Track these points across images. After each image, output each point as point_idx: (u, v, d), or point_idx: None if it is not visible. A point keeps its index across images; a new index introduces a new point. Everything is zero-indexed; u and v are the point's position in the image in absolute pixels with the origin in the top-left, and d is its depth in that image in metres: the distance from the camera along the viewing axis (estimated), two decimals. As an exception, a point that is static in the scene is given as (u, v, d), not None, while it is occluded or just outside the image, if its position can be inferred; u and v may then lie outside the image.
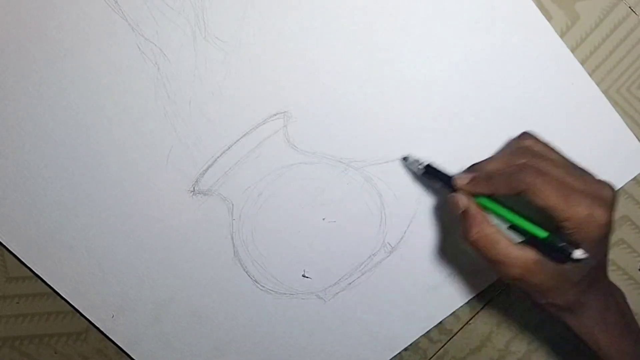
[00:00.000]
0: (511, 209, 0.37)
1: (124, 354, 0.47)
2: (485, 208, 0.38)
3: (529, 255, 0.36)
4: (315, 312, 0.48)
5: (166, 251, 0.45)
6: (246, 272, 0.46)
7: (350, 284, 0.47)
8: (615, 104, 0.45)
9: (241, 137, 0.43)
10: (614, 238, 0.49)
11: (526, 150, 0.38)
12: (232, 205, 0.45)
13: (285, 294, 0.47)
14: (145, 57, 0.41)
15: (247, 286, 0.47)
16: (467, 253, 0.48)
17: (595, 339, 0.38)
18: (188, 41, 0.41)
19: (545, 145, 0.39)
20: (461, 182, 0.38)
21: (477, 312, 0.50)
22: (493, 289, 0.49)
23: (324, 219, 0.46)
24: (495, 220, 0.38)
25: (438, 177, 0.41)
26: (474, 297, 0.49)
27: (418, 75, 0.44)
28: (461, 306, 0.49)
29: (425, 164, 0.42)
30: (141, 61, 0.41)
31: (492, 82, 0.44)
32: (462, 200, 0.38)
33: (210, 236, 0.45)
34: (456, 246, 0.47)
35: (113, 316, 0.46)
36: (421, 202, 0.46)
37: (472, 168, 0.39)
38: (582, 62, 0.44)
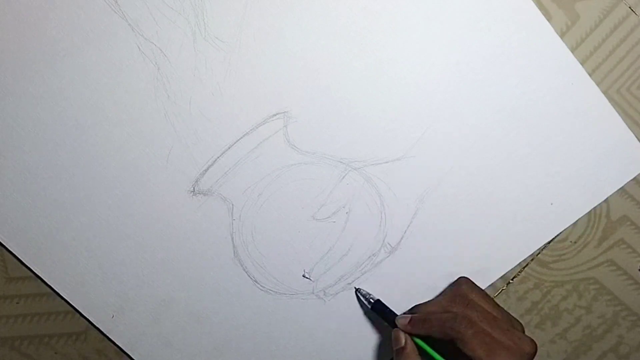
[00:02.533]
0: (442, 354, 0.41)
1: (124, 354, 0.47)
2: (421, 347, 0.42)
3: None
4: (315, 312, 0.48)
5: (166, 251, 0.45)
6: (246, 272, 0.46)
7: (350, 284, 0.47)
8: (615, 104, 0.45)
9: (241, 137, 0.43)
10: (614, 238, 0.49)
11: (462, 298, 0.42)
12: (232, 205, 0.45)
13: (285, 294, 0.47)
14: (145, 57, 0.41)
15: (247, 286, 0.47)
16: (467, 253, 0.48)
17: None
18: (188, 41, 0.41)
19: (479, 293, 0.44)
20: (402, 321, 0.43)
21: (477, 312, 0.50)
22: (493, 289, 0.49)
23: (323, 219, 0.46)
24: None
25: (384, 313, 0.45)
26: (474, 297, 0.49)
27: (418, 75, 0.44)
28: (461, 306, 0.49)
29: (375, 299, 0.46)
30: (141, 61, 0.41)
31: (492, 82, 0.44)
32: (401, 338, 0.43)
33: (210, 236, 0.45)
34: (456, 246, 0.47)
35: (113, 316, 0.46)
36: (421, 202, 0.46)
37: (413, 309, 0.45)
38: (582, 62, 0.44)
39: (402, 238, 0.47)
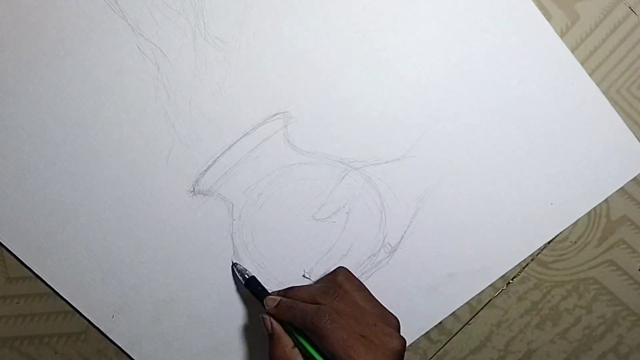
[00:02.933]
0: (311, 342, 0.40)
1: (123, 354, 0.47)
2: (294, 337, 0.41)
3: None
4: (315, 312, 0.48)
5: (166, 251, 0.45)
6: (246, 272, 0.46)
7: (350, 284, 0.47)
8: (615, 104, 0.45)
9: (241, 137, 0.43)
10: (614, 238, 0.49)
11: (334, 289, 0.41)
12: (232, 205, 0.45)
13: (285, 294, 0.47)
14: (145, 57, 0.41)
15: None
16: (467, 253, 0.48)
17: None
18: (188, 41, 0.41)
19: (355, 284, 0.43)
20: (269, 303, 0.42)
21: (477, 312, 0.50)
22: (493, 289, 0.49)
23: (323, 219, 0.46)
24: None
25: (256, 292, 0.44)
26: (474, 297, 0.49)
27: (418, 75, 0.44)
28: (461, 306, 0.49)
29: (250, 275, 0.45)
30: (141, 61, 0.41)
31: (492, 82, 0.44)
32: (268, 322, 0.42)
33: (210, 236, 0.45)
34: (456, 246, 0.47)
35: (113, 316, 0.46)
36: (421, 202, 0.46)
37: (286, 291, 0.43)
38: (582, 62, 0.44)
39: (402, 238, 0.47)
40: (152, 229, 0.45)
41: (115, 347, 0.47)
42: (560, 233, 0.48)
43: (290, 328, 0.41)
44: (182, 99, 0.42)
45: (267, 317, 0.42)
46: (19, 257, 0.44)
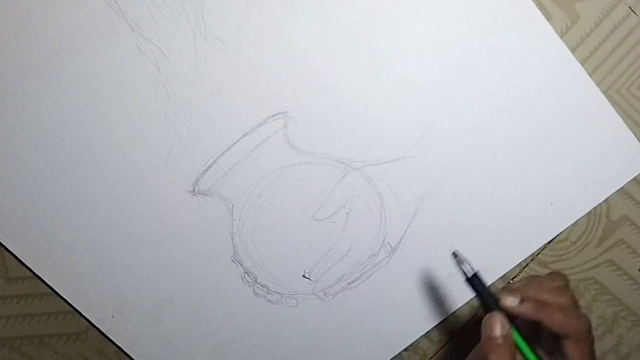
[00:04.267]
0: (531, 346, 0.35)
1: (123, 354, 0.47)
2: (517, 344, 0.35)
3: None
4: (315, 312, 0.48)
5: (166, 251, 0.45)
6: (246, 272, 0.46)
7: (350, 284, 0.47)
8: (615, 104, 0.45)
9: (241, 138, 0.43)
10: (614, 238, 0.49)
11: (573, 297, 0.37)
12: (232, 205, 0.45)
13: (285, 294, 0.47)
14: (145, 57, 0.41)
15: (247, 286, 0.47)
16: (467, 253, 0.48)
17: None
18: (188, 41, 0.41)
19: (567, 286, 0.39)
20: (509, 302, 0.35)
21: (477, 312, 0.50)
22: (493, 289, 0.49)
23: (323, 219, 0.46)
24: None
25: (480, 290, 0.37)
26: (474, 297, 0.49)
27: (418, 75, 0.44)
28: (461, 306, 0.49)
29: (475, 271, 0.38)
30: (141, 61, 0.41)
31: (492, 82, 0.44)
32: (500, 326, 0.35)
33: (210, 236, 0.45)
34: (456, 246, 0.47)
35: (113, 316, 0.46)
36: (421, 202, 0.46)
37: (514, 290, 0.36)
38: (582, 62, 0.44)
39: (402, 238, 0.47)
40: (152, 229, 0.45)
41: (115, 347, 0.47)
42: (560, 233, 0.48)
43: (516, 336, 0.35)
44: (182, 99, 0.42)
45: (498, 315, 0.35)
46: (19, 257, 0.44)
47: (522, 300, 0.35)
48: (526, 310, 0.35)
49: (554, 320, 0.34)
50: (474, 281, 0.37)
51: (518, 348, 0.35)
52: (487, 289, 0.37)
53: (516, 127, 0.45)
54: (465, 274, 0.38)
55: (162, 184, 0.44)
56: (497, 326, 0.34)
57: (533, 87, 0.44)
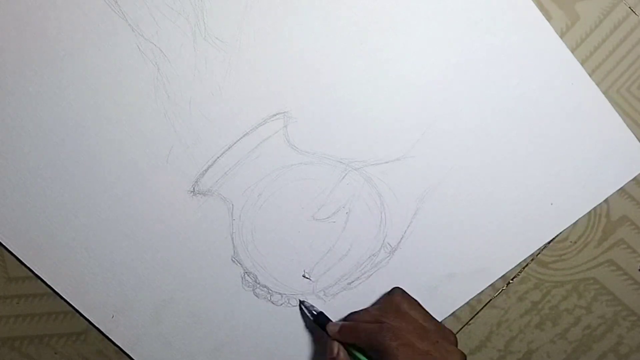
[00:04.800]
0: None
1: (123, 354, 0.47)
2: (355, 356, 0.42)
3: None
4: (315, 312, 0.48)
5: (166, 251, 0.45)
6: (246, 273, 0.46)
7: (350, 284, 0.47)
8: (615, 104, 0.45)
9: (241, 138, 0.43)
10: (614, 238, 0.49)
11: (393, 308, 0.43)
12: (232, 205, 0.45)
13: (285, 294, 0.47)
14: (145, 57, 0.41)
15: (247, 286, 0.47)
16: (467, 253, 0.48)
17: None
18: (188, 41, 0.41)
19: (412, 303, 0.44)
20: (332, 329, 0.44)
21: (477, 312, 0.50)
22: (493, 289, 0.49)
23: (323, 219, 0.46)
24: None
25: (322, 325, 0.45)
26: (474, 297, 0.49)
27: (418, 75, 0.44)
28: (461, 306, 0.49)
29: (318, 311, 0.46)
30: (141, 61, 0.41)
31: (492, 82, 0.44)
32: (334, 347, 0.43)
33: (210, 236, 0.45)
34: (456, 246, 0.47)
35: (113, 316, 0.46)
36: (421, 202, 0.46)
37: (348, 317, 0.46)
38: (582, 62, 0.44)
39: (402, 238, 0.47)
40: (152, 229, 0.45)
41: (115, 347, 0.47)
42: (560, 233, 0.48)
43: (354, 352, 0.42)
44: (182, 99, 0.42)
45: (334, 342, 0.43)
46: (19, 257, 0.44)
47: (340, 328, 0.43)
48: (340, 336, 0.43)
49: (360, 340, 0.42)
50: (318, 319, 0.46)
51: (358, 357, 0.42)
52: (326, 322, 0.45)
53: (516, 127, 0.45)
54: (312, 314, 0.46)
55: (162, 184, 0.44)
56: (331, 348, 0.43)
57: (533, 87, 0.44)
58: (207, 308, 0.47)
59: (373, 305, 0.47)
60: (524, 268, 0.49)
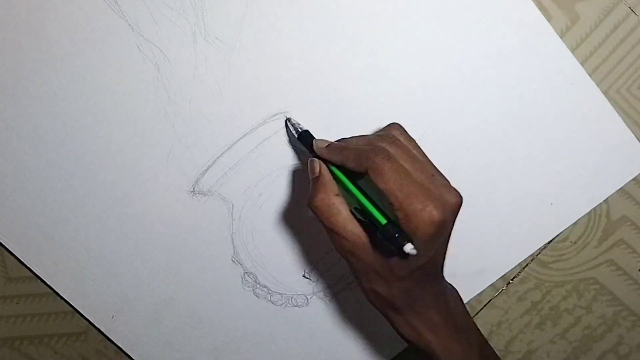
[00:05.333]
0: (363, 191, 0.37)
1: (123, 354, 0.47)
2: (339, 181, 0.38)
3: (362, 233, 0.36)
4: (315, 312, 0.48)
5: (166, 251, 0.45)
6: (246, 272, 0.46)
7: (350, 283, 0.47)
8: (615, 104, 0.45)
9: (241, 138, 0.43)
10: (614, 238, 0.49)
11: (389, 137, 0.38)
12: (232, 205, 0.45)
13: (285, 294, 0.47)
14: (145, 57, 0.41)
15: (247, 287, 0.47)
16: (467, 253, 0.48)
17: (425, 341, 0.38)
18: (188, 41, 0.41)
19: (410, 139, 0.39)
20: (319, 144, 0.39)
21: (477, 312, 0.50)
22: (493, 289, 0.49)
23: (324, 219, 0.46)
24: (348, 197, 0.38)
25: (307, 143, 0.41)
26: (474, 297, 0.49)
27: (418, 75, 0.44)
28: (461, 306, 0.49)
29: (304, 129, 0.42)
30: (141, 61, 0.41)
31: (492, 82, 0.44)
32: (313, 165, 0.39)
33: (210, 236, 0.45)
34: (456, 246, 0.47)
35: (113, 316, 0.46)
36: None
37: (339, 140, 0.40)
38: (582, 62, 0.44)
39: (402, 238, 0.47)
40: (152, 229, 0.45)
41: (115, 347, 0.47)
42: (560, 233, 0.48)
43: (338, 175, 0.38)
44: (182, 99, 0.42)
45: (315, 160, 0.39)
46: (19, 257, 0.44)
47: (328, 145, 0.39)
48: (327, 153, 0.38)
49: (349, 159, 0.37)
50: (303, 137, 0.41)
51: (344, 185, 0.37)
52: (311, 139, 0.41)
53: (516, 127, 0.45)
54: (296, 132, 0.42)
55: (162, 184, 0.44)
56: (312, 167, 0.39)
57: (533, 87, 0.44)
58: (207, 308, 0.47)
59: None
60: (524, 268, 0.49)
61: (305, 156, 0.43)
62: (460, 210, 0.47)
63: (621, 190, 0.47)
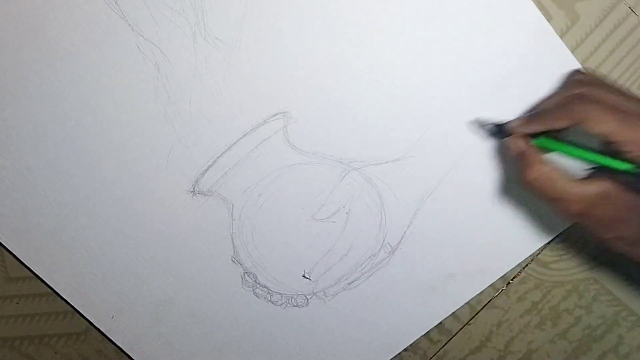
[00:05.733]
0: (578, 145, 0.35)
1: (123, 354, 0.47)
2: (549, 150, 0.37)
3: (592, 188, 0.35)
4: (315, 312, 0.48)
5: (166, 251, 0.45)
6: (246, 272, 0.46)
7: (350, 284, 0.47)
8: (615, 104, 0.45)
9: (241, 138, 0.43)
10: (614, 238, 0.49)
11: (578, 82, 0.36)
12: (232, 205, 0.45)
13: (285, 294, 0.47)
14: (145, 57, 0.41)
15: (247, 287, 0.47)
16: (467, 253, 0.48)
17: None
18: (188, 41, 0.41)
19: (597, 77, 0.38)
20: (514, 124, 0.38)
21: (477, 312, 0.50)
22: (493, 289, 0.49)
23: (323, 219, 0.46)
24: (555, 159, 0.37)
25: (500, 130, 0.40)
26: (474, 297, 0.49)
27: (418, 75, 0.44)
28: (461, 306, 0.49)
29: (493, 123, 0.41)
30: (141, 61, 0.41)
31: (492, 82, 0.44)
32: (515, 143, 0.37)
33: (210, 236, 0.45)
34: (456, 246, 0.47)
35: (113, 316, 0.46)
36: (421, 202, 0.46)
37: (527, 111, 0.39)
38: (582, 62, 0.44)
39: (402, 238, 0.47)
40: (152, 229, 0.45)
41: (115, 347, 0.47)
42: (561, 233, 0.48)
43: (543, 142, 0.37)
44: (182, 99, 0.42)
45: (510, 138, 0.38)
46: (19, 257, 0.44)
47: (526, 118, 0.37)
48: (528, 127, 0.37)
49: (555, 120, 0.35)
50: (498, 128, 0.40)
51: (559, 150, 0.36)
52: (500, 125, 0.40)
53: (516, 127, 0.45)
54: (495, 126, 0.41)
55: (162, 184, 0.44)
56: (515, 145, 0.37)
57: (533, 88, 0.44)
58: (207, 308, 0.47)
59: (551, 91, 0.42)
60: (524, 268, 0.49)
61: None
62: (461, 210, 0.47)
63: (621, 190, 0.47)
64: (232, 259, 0.46)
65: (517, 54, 0.43)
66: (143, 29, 0.41)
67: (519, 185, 0.37)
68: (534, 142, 0.37)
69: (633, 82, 0.45)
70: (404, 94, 0.44)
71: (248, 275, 0.46)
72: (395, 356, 0.50)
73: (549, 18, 0.43)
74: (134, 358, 0.47)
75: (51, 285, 0.45)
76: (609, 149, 0.34)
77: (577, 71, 0.39)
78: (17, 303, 0.46)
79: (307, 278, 0.47)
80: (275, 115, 0.43)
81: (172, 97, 0.42)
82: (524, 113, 0.39)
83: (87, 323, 0.46)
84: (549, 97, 0.39)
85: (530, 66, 0.44)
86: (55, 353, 0.47)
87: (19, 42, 0.40)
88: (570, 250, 0.49)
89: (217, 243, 0.45)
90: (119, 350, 0.47)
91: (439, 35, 0.43)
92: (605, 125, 0.33)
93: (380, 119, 0.44)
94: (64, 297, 0.45)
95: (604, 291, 0.50)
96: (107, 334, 0.46)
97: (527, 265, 0.49)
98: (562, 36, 0.43)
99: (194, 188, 0.44)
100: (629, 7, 0.43)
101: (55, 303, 0.46)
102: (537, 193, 0.36)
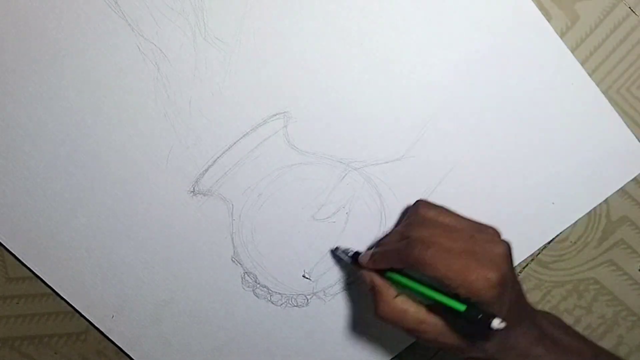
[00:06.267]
0: (424, 282, 0.37)
1: (123, 354, 0.47)
2: (398, 283, 0.39)
3: (439, 320, 0.37)
4: (315, 312, 0.48)
5: (166, 251, 0.45)
6: (246, 272, 0.46)
7: (350, 284, 0.47)
8: (615, 104, 0.45)
9: (241, 138, 0.43)
10: (614, 238, 0.49)
11: (419, 220, 0.40)
12: (232, 205, 0.45)
13: (284, 294, 0.47)
14: (145, 57, 0.41)
15: (247, 287, 0.47)
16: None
17: None
18: (188, 41, 0.41)
19: (437, 209, 0.40)
20: (364, 259, 0.41)
21: (477, 312, 0.50)
22: (493, 289, 0.49)
23: (323, 219, 0.46)
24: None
25: (357, 261, 0.43)
26: (474, 297, 0.49)
27: (418, 75, 0.44)
28: (461, 306, 0.49)
29: (353, 251, 0.44)
30: (141, 61, 0.41)
31: (492, 82, 0.44)
32: (369, 277, 0.40)
33: (210, 236, 0.45)
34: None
35: (113, 316, 0.46)
36: (421, 202, 0.46)
37: (375, 244, 0.43)
38: (582, 62, 0.44)
39: (402, 238, 0.47)
40: (152, 229, 0.45)
41: (115, 347, 0.47)
42: (560, 233, 0.48)
43: (393, 277, 0.39)
44: (182, 99, 0.42)
45: (364, 272, 0.41)
46: (19, 257, 0.44)
47: (371, 257, 0.41)
48: (374, 265, 0.40)
49: (394, 262, 0.38)
50: (354, 258, 0.43)
51: (406, 286, 0.38)
52: (356, 256, 0.43)
53: (516, 127, 0.45)
54: (349, 258, 0.44)
55: (162, 184, 0.44)
56: (364, 280, 0.41)
57: (533, 87, 0.44)
58: (207, 308, 0.47)
59: (397, 223, 0.45)
60: (524, 268, 0.49)
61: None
62: (461, 210, 0.47)
63: (621, 190, 0.47)
64: (232, 259, 0.46)
65: (517, 54, 0.43)
66: (143, 29, 0.41)
67: (374, 317, 0.39)
68: (387, 274, 0.40)
69: (633, 82, 0.45)
70: (403, 93, 0.44)
71: (248, 275, 0.46)
72: (395, 356, 0.50)
73: (549, 18, 0.43)
74: (134, 358, 0.47)
75: (51, 285, 0.45)
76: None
77: (420, 202, 0.42)
78: (17, 303, 0.46)
79: (307, 278, 0.47)
80: (275, 115, 0.43)
81: (172, 97, 0.42)
82: (371, 246, 0.43)
83: (87, 323, 0.46)
84: (392, 233, 0.42)
85: (530, 66, 0.44)
86: (55, 353, 0.47)
87: (19, 42, 0.40)
88: (570, 250, 0.49)
89: (217, 243, 0.45)
90: (119, 350, 0.47)
91: (439, 36, 0.43)
92: (435, 271, 0.35)
93: (380, 119, 0.44)
94: (64, 297, 0.45)
95: (604, 291, 0.50)
96: (107, 334, 0.46)
97: (527, 265, 0.49)
98: (562, 36, 0.43)
99: (194, 188, 0.44)
100: (629, 7, 0.44)
101: (55, 303, 0.46)
102: (391, 326, 0.39)
